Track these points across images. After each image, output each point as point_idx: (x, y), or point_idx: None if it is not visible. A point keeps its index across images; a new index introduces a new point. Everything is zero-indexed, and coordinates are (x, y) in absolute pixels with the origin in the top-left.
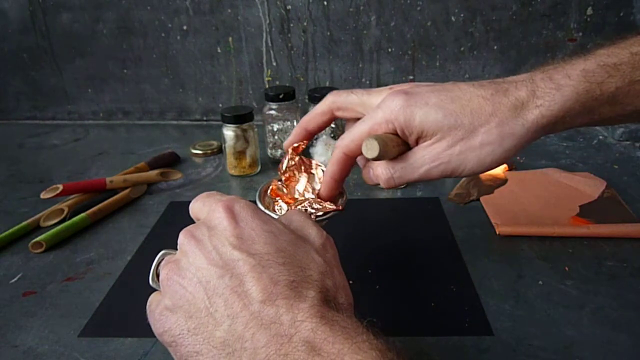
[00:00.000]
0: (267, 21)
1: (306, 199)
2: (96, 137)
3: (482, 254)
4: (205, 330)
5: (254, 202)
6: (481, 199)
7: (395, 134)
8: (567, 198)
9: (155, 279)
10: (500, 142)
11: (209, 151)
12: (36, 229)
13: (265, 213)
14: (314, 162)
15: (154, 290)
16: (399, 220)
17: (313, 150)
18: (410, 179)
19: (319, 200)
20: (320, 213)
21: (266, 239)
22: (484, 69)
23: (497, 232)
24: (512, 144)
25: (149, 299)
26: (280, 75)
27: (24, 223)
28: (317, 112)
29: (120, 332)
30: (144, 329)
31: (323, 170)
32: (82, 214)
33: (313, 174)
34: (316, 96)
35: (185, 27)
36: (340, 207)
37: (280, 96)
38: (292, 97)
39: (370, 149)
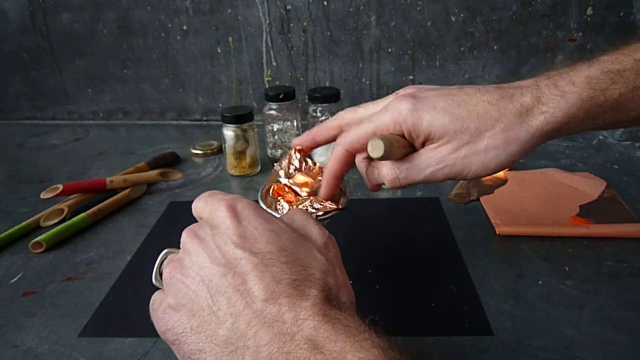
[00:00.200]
0: (267, 21)
1: (308, 198)
2: (96, 137)
3: (482, 254)
4: (208, 328)
5: (256, 201)
6: (481, 199)
7: (401, 136)
8: (567, 198)
9: (158, 277)
10: (505, 147)
11: (209, 151)
12: (36, 229)
13: (267, 212)
14: (317, 164)
15: (155, 289)
16: (399, 220)
17: (313, 150)
18: (416, 180)
19: (320, 199)
20: (322, 212)
21: (268, 237)
22: (484, 69)
23: (497, 232)
24: (517, 149)
25: (152, 297)
26: (280, 75)
27: (24, 223)
28: (328, 126)
29: (120, 332)
30: (144, 329)
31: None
32: (82, 214)
33: (313, 175)
34: (316, 96)
35: (185, 27)
36: (342, 206)
37: (280, 96)
38: (292, 97)
39: (376, 149)
